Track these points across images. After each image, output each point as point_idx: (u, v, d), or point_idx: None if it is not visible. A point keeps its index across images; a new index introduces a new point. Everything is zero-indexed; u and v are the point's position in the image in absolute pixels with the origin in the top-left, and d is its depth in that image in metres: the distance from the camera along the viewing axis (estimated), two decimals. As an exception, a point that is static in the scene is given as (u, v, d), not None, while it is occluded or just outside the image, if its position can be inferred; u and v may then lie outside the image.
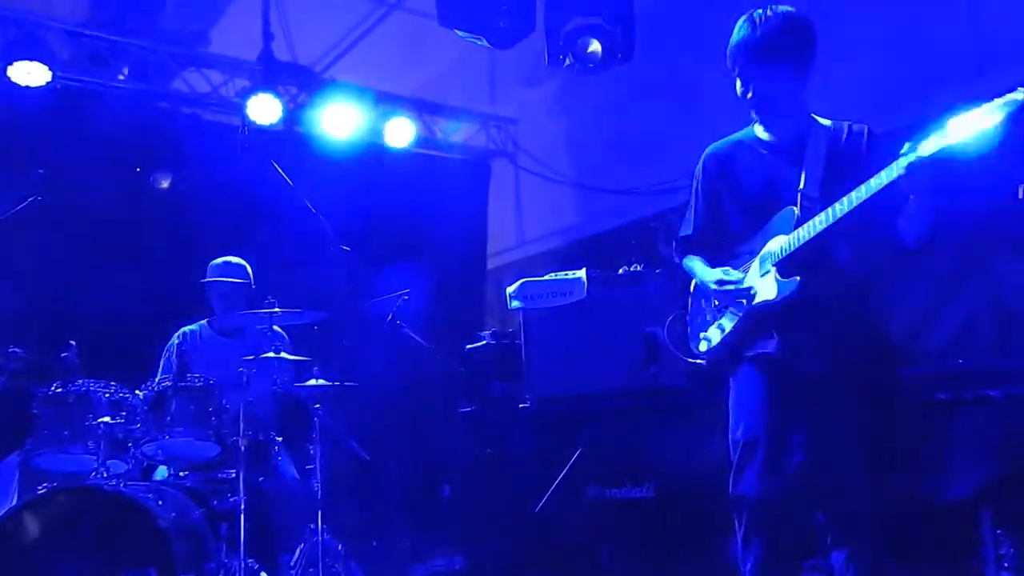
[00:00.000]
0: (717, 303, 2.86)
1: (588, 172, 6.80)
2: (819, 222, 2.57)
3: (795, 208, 2.68)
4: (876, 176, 2.44)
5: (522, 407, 4.56)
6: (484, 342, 5.16)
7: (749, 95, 2.77)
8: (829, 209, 2.55)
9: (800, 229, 2.62)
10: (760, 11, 2.74)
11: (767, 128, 2.85)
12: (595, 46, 4.93)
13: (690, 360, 2.99)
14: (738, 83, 2.79)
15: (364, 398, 4.67)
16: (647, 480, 4.26)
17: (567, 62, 4.97)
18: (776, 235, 2.72)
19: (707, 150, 2.99)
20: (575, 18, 4.93)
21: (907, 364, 4.58)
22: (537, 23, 4.94)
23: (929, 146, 2.34)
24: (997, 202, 4.31)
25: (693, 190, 3.03)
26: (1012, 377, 3.59)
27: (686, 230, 3.04)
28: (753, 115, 2.84)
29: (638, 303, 4.42)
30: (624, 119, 6.13)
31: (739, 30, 2.75)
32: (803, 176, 2.70)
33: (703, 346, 2.90)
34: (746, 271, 2.79)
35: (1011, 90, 2.27)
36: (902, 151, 2.41)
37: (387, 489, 5.15)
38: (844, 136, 2.78)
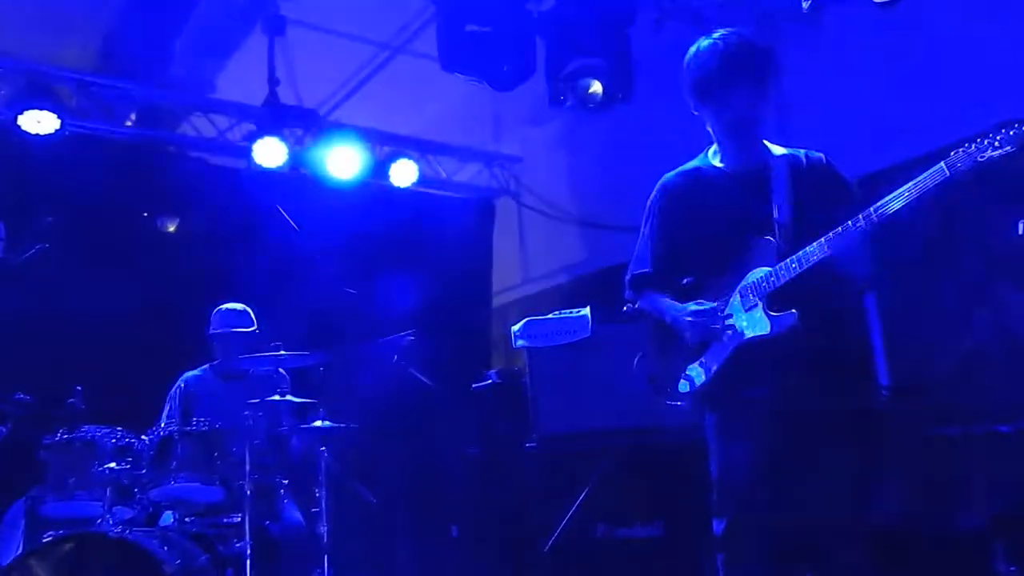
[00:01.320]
0: (692, 342, 2.67)
1: (592, 209, 6.83)
2: (813, 252, 2.48)
3: (772, 239, 2.58)
4: (891, 198, 2.38)
5: (529, 446, 4.54)
6: (490, 381, 5.17)
7: (725, 118, 2.65)
8: (823, 239, 2.46)
9: (790, 260, 2.52)
10: (723, 32, 2.65)
11: (727, 156, 2.74)
12: (596, 87, 4.97)
13: (668, 403, 2.77)
14: (716, 107, 2.65)
15: (370, 440, 4.67)
16: (657, 518, 4.22)
17: (568, 103, 5.01)
18: (754, 267, 2.60)
19: (662, 180, 2.85)
20: (575, 59, 4.98)
21: (917, 396, 4.58)
22: (538, 64, 4.99)
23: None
24: (999, 236, 4.33)
25: (647, 223, 2.86)
26: (1021, 410, 3.57)
27: (642, 267, 2.85)
28: (716, 143, 2.74)
29: (643, 340, 4.40)
30: (627, 156, 6.17)
31: (711, 53, 2.62)
32: (775, 205, 2.61)
33: (684, 387, 2.70)
34: (724, 304, 2.64)
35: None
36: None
37: (394, 531, 5.11)
38: (804, 164, 2.71)
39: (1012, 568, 3.34)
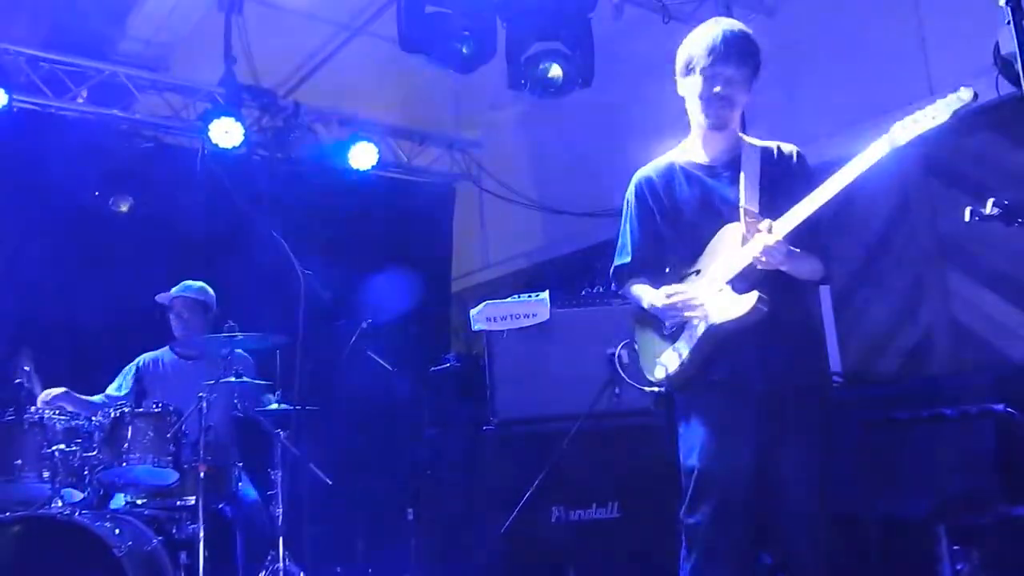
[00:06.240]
0: (668, 328, 2.77)
1: (552, 194, 6.85)
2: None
3: (738, 225, 2.64)
4: (833, 177, 2.45)
5: (486, 429, 4.55)
6: (448, 364, 5.16)
7: (716, 90, 2.68)
8: (780, 221, 2.53)
9: (749, 244, 2.57)
10: (727, 19, 2.77)
11: (702, 143, 2.82)
12: (555, 71, 4.97)
13: (647, 389, 2.91)
14: (700, 80, 2.70)
15: (327, 422, 4.64)
16: (612, 500, 4.26)
17: (528, 87, 5.01)
18: (720, 253, 2.67)
19: (638, 174, 2.93)
20: (535, 43, 4.97)
21: (866, 383, 4.67)
22: (498, 48, 4.98)
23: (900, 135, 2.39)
24: (947, 224, 4.44)
25: (626, 217, 2.95)
26: (966, 395, 3.66)
27: (623, 258, 2.95)
28: (702, 121, 2.77)
29: (602, 325, 4.43)
30: (588, 141, 6.19)
31: (714, 30, 2.69)
32: (742, 193, 2.68)
33: (660, 372, 2.78)
34: (695, 289, 2.70)
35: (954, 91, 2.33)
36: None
37: (350, 514, 5.10)
38: (775, 155, 2.78)
39: (956, 548, 3.42)
